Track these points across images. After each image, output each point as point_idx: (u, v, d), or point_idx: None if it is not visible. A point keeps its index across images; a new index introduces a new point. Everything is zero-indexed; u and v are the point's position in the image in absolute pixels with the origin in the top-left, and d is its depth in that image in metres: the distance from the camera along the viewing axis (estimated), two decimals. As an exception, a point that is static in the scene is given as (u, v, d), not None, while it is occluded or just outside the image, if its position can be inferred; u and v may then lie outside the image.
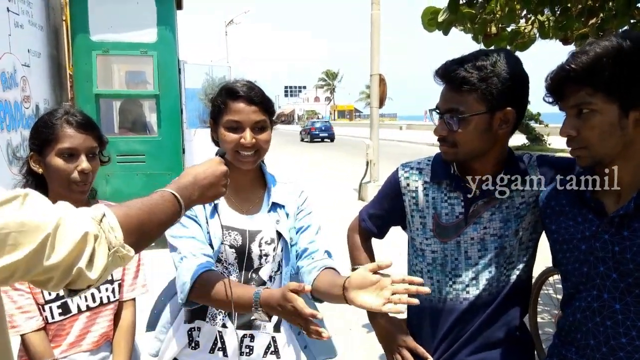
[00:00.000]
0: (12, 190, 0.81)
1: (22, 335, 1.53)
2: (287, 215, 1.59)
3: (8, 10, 4.72)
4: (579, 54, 1.15)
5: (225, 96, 1.50)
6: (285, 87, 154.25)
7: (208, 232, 1.51)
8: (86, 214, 0.89)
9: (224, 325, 1.55)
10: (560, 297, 3.12)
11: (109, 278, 1.65)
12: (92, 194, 1.71)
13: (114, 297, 1.68)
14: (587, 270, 1.21)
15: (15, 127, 4.68)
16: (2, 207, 0.77)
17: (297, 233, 1.61)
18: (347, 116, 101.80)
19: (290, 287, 1.21)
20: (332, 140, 33.47)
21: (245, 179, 1.59)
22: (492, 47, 3.52)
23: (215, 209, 1.52)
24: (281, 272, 1.59)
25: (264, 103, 1.50)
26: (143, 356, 1.85)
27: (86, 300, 1.61)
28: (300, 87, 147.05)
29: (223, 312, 1.54)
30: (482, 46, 3.53)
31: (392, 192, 1.57)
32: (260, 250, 1.54)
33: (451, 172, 1.45)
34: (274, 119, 1.58)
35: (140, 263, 1.76)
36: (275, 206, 1.58)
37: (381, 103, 10.42)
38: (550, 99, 1.23)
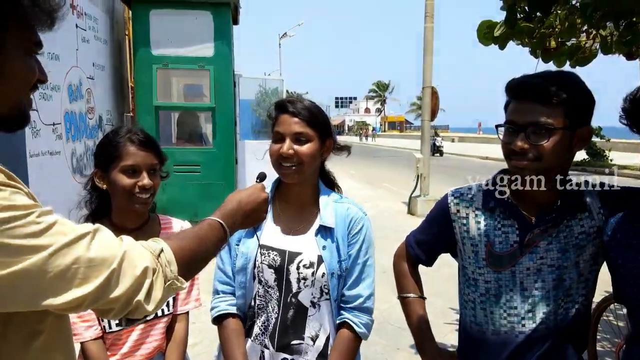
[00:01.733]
0: (84, 226, 0.87)
1: (81, 344, 1.60)
2: (336, 240, 1.53)
3: (77, 26, 5.00)
4: None
5: (275, 110, 1.55)
6: (336, 98, 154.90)
7: (236, 254, 1.56)
8: (146, 248, 0.94)
9: (265, 346, 1.55)
10: (621, 324, 2.96)
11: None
12: (152, 207, 1.77)
13: (168, 310, 1.73)
14: None
15: (80, 138, 4.92)
16: (75, 244, 0.83)
17: (349, 263, 1.56)
18: (398, 127, 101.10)
19: None
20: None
21: (298, 197, 1.58)
22: (551, 62, 3.43)
23: (256, 227, 1.53)
24: (329, 299, 1.54)
25: (308, 116, 1.50)
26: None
27: None
28: (350, 98, 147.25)
29: (266, 332, 1.54)
30: (540, 61, 3.44)
31: (441, 218, 1.52)
32: (299, 274, 1.51)
33: (504, 199, 1.40)
34: (333, 136, 1.57)
35: (196, 277, 1.80)
36: (323, 229, 1.54)
37: (433, 116, 10.28)
38: (627, 122, 1.18)
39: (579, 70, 3.50)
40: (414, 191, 10.16)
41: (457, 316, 1.56)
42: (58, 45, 4.42)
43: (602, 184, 1.41)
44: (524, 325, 1.36)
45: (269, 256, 1.53)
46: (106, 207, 1.67)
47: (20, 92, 0.90)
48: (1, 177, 0.80)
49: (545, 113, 1.27)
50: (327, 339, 1.55)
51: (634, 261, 1.20)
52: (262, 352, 1.55)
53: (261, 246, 1.53)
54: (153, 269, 0.92)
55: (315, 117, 1.51)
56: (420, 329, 1.56)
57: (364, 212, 1.61)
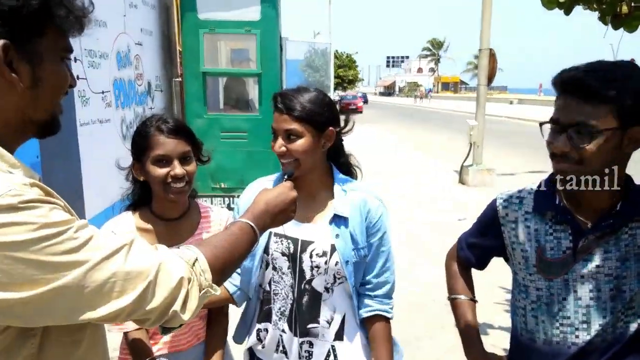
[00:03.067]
0: (120, 239, 0.89)
1: (125, 333, 1.63)
2: (352, 229, 1.53)
3: (124, -9, 4.98)
4: None
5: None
6: (387, 57, 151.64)
7: None
8: (182, 258, 0.96)
9: (283, 330, 1.59)
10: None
11: None
12: (193, 194, 1.75)
13: None
14: None
15: (129, 104, 4.97)
16: (112, 258, 0.85)
17: (369, 252, 1.57)
18: (452, 88, 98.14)
19: None
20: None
21: (309, 186, 1.57)
22: (622, 29, 3.12)
23: None
24: (343, 283, 1.57)
25: (297, 112, 1.47)
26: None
27: None
28: (402, 57, 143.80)
29: (283, 317, 1.59)
30: (609, 27, 3.14)
31: (490, 222, 1.45)
32: (312, 262, 1.53)
33: (556, 203, 1.30)
34: (337, 125, 1.56)
35: None
36: (337, 218, 1.53)
37: (490, 80, 9.80)
38: None
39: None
40: (465, 159, 9.85)
41: (507, 295, 1.50)
42: (105, 12, 4.42)
43: None
44: (577, 337, 1.27)
45: (282, 244, 1.55)
46: (148, 197, 1.66)
47: (55, 97, 0.92)
48: (39, 194, 0.81)
49: (588, 113, 1.16)
50: (343, 320, 1.59)
51: None
52: (281, 336, 1.60)
53: (275, 234, 1.56)
54: (188, 278, 0.94)
55: (307, 112, 1.47)
56: (468, 333, 1.51)
57: (380, 199, 1.61)
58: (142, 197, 1.68)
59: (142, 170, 1.59)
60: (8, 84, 0.84)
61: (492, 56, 9.53)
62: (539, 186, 1.37)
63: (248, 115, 6.25)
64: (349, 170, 1.67)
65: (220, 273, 1.02)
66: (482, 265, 1.57)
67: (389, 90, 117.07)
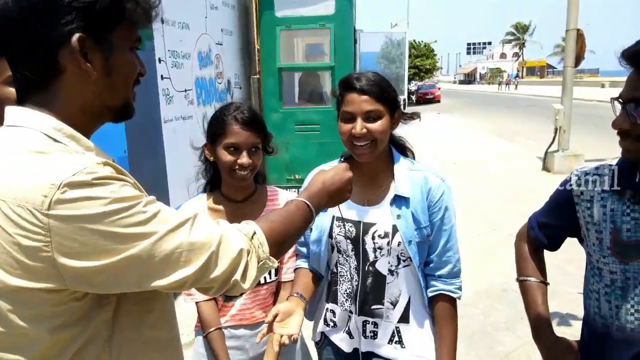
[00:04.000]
0: (184, 213, 0.96)
1: (196, 303, 1.75)
2: (413, 209, 1.53)
3: (205, -6, 5.23)
4: None
5: (340, 88, 1.54)
6: (468, 44, 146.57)
7: (310, 227, 1.62)
8: (241, 231, 1.01)
9: (351, 311, 1.63)
10: None
11: None
12: (261, 179, 1.88)
13: (270, 278, 1.82)
14: None
15: (210, 102, 5.23)
16: (177, 230, 0.91)
17: (432, 231, 1.56)
18: (538, 73, 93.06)
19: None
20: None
21: (371, 169, 1.58)
22: None
23: None
24: (408, 266, 1.57)
25: (376, 92, 1.47)
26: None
27: None
28: (484, 44, 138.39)
29: (349, 299, 1.62)
30: None
31: (564, 200, 1.38)
32: (374, 244, 1.54)
33: (637, 181, 1.21)
34: (400, 109, 1.55)
35: (294, 253, 1.85)
36: (398, 199, 1.53)
37: (577, 62, 9.21)
38: None
39: None
40: (550, 145, 9.36)
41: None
42: (188, 15, 4.67)
43: None
44: None
45: (345, 228, 1.58)
46: (217, 177, 1.79)
47: (127, 84, 1.00)
48: (111, 171, 0.88)
49: None
50: (408, 303, 1.59)
51: None
52: (349, 316, 1.64)
53: (337, 218, 1.59)
54: (247, 250, 0.99)
55: (384, 92, 1.48)
56: (538, 317, 1.46)
57: (442, 177, 1.59)
58: (214, 179, 1.81)
59: (213, 152, 1.72)
60: (84, 74, 0.91)
61: (580, 36, 8.95)
62: (618, 163, 1.29)
63: (320, 108, 6.34)
64: (404, 152, 1.68)
65: (277, 246, 1.07)
66: (554, 246, 1.51)
67: (469, 78, 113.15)
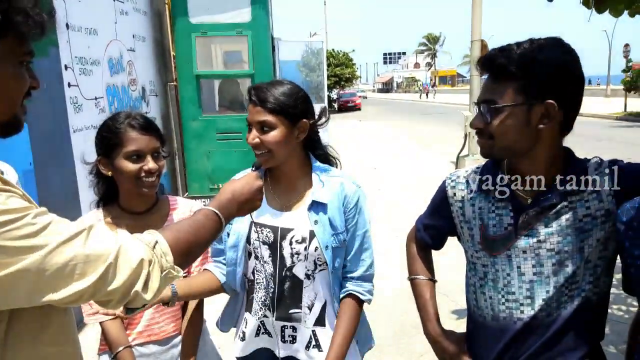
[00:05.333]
0: (78, 224, 0.92)
1: (100, 323, 1.65)
2: (330, 214, 1.56)
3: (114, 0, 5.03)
4: None
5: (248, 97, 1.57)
6: (384, 54, 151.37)
7: (227, 232, 1.64)
8: (142, 241, 0.98)
9: (265, 316, 1.63)
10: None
11: None
12: (161, 189, 1.80)
13: None
14: None
15: (123, 110, 5.01)
16: (70, 242, 0.87)
17: (348, 236, 1.61)
18: (449, 82, 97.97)
19: None
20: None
21: (289, 175, 1.62)
22: (607, 12, 3.14)
23: None
24: (324, 270, 1.59)
25: (270, 104, 1.50)
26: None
27: None
28: (399, 54, 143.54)
29: (264, 306, 1.62)
30: (593, 11, 3.17)
31: (441, 202, 1.48)
32: (292, 249, 1.57)
33: (498, 181, 1.32)
34: (311, 118, 1.58)
35: (208, 256, 1.80)
36: (316, 204, 1.57)
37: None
38: None
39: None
40: (461, 150, 9.88)
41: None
42: (95, 20, 4.47)
43: (613, 162, 1.27)
44: (522, 312, 1.29)
45: (263, 233, 1.60)
46: (114, 192, 1.69)
47: (13, 99, 0.94)
48: None
49: (494, 90, 1.23)
50: (324, 306, 1.62)
51: None
52: (262, 321, 1.64)
53: (255, 224, 1.60)
54: (149, 260, 0.96)
55: (280, 104, 1.51)
56: (426, 311, 1.54)
57: (358, 184, 1.64)
58: (108, 193, 1.70)
59: (110, 166, 1.62)
60: None
61: (485, 47, 9.54)
62: (486, 164, 1.40)
63: (242, 115, 6.27)
64: (327, 161, 1.70)
65: (182, 255, 1.04)
66: (438, 246, 1.60)
67: (386, 87, 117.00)
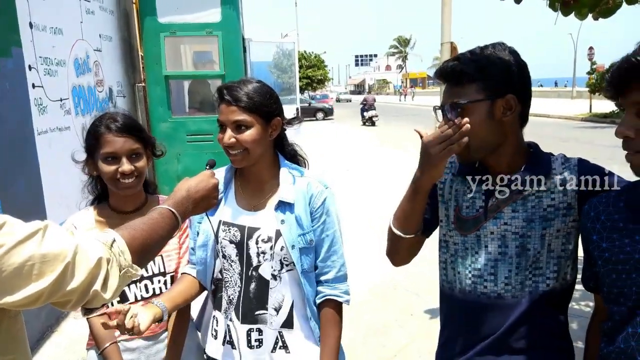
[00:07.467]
0: (33, 224, 0.90)
1: (87, 320, 1.65)
2: (297, 214, 1.57)
3: (80, -2, 4.91)
4: None
5: (217, 98, 1.55)
6: (356, 56, 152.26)
7: (197, 231, 1.64)
8: (99, 240, 0.97)
9: (231, 319, 1.62)
10: None
11: (161, 270, 1.76)
12: (152, 189, 1.83)
13: (166, 288, 1.75)
14: None
15: (90, 111, 4.91)
16: (26, 242, 0.85)
17: (315, 236, 1.60)
18: (420, 84, 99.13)
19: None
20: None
21: (257, 175, 1.61)
22: (572, 15, 3.22)
23: (217, 205, 1.58)
24: (291, 270, 1.58)
25: (245, 102, 1.49)
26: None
27: (140, 290, 1.72)
28: (371, 56, 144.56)
29: (231, 305, 1.61)
30: (559, 14, 3.24)
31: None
32: (258, 248, 1.56)
33: (476, 166, 1.42)
34: (281, 116, 1.58)
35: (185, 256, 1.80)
36: (283, 204, 1.57)
37: (453, 73, 9.95)
38: (610, 93, 1.10)
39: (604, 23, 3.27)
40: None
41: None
42: (61, 19, 4.35)
43: (582, 160, 1.38)
44: (485, 287, 1.39)
45: (230, 232, 1.59)
46: (105, 190, 1.73)
47: None
48: None
49: (458, 93, 1.32)
50: (291, 307, 1.61)
51: (621, 245, 1.14)
52: (228, 326, 1.62)
53: (223, 223, 1.59)
54: (107, 258, 0.96)
55: (255, 102, 1.50)
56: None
57: (325, 185, 1.63)
58: (101, 192, 1.74)
59: (94, 166, 1.65)
60: None
61: (454, 49, 9.67)
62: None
63: (212, 117, 6.19)
64: (295, 159, 1.70)
65: (139, 254, 1.05)
66: (426, 232, 1.55)
67: (359, 89, 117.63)
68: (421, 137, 1.36)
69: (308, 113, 30.76)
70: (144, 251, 1.07)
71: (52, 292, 0.88)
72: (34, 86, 3.80)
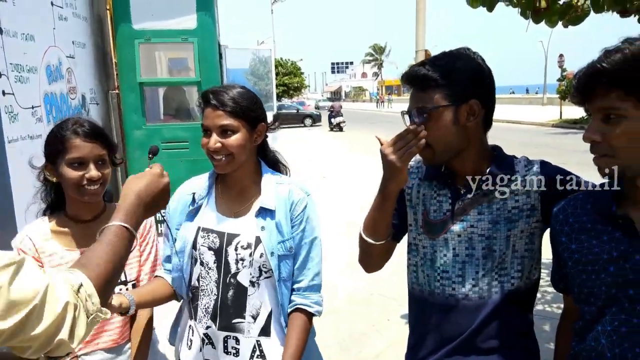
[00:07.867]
0: (7, 257, 0.82)
1: None
2: (278, 221, 1.55)
3: (52, 4, 4.83)
4: (613, 52, 1.04)
5: (202, 102, 1.56)
6: (332, 64, 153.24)
7: (175, 237, 1.60)
8: (66, 283, 0.89)
9: (208, 327, 1.59)
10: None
11: (122, 279, 1.71)
12: (110, 197, 1.80)
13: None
14: (615, 292, 1.11)
15: (62, 119, 4.81)
16: None
17: (294, 244, 1.59)
18: (395, 91, 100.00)
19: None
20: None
21: (239, 181, 1.60)
22: (543, 23, 3.31)
23: (196, 211, 1.57)
24: (269, 278, 1.56)
25: (231, 107, 1.49)
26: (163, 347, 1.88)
27: None
28: (347, 63, 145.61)
29: (207, 314, 1.58)
30: (531, 22, 3.33)
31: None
32: (237, 255, 1.54)
33: (441, 170, 1.46)
34: (265, 122, 1.59)
35: (157, 264, 1.77)
36: (264, 211, 1.56)
37: (427, 80, 10.10)
38: (576, 99, 1.13)
39: (574, 30, 3.37)
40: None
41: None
42: (32, 26, 4.26)
43: (544, 163, 1.41)
44: (454, 289, 1.42)
45: (209, 238, 1.57)
46: (62, 199, 1.67)
47: None
48: None
49: (423, 98, 1.36)
50: (269, 315, 1.59)
51: (589, 246, 1.18)
52: (206, 333, 1.59)
53: (202, 229, 1.57)
54: (74, 304, 0.89)
55: (241, 107, 1.50)
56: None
57: (307, 192, 1.63)
58: (56, 201, 1.68)
59: (55, 172, 1.61)
60: None
61: (429, 56, 9.83)
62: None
63: (188, 124, 6.17)
64: (276, 167, 1.70)
65: (106, 291, 0.99)
66: (396, 236, 1.57)
67: (335, 96, 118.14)
68: (381, 144, 1.38)
69: (296, 120, 30.80)
70: (110, 284, 1.02)
71: (12, 334, 0.81)
72: (4, 93, 3.72)
